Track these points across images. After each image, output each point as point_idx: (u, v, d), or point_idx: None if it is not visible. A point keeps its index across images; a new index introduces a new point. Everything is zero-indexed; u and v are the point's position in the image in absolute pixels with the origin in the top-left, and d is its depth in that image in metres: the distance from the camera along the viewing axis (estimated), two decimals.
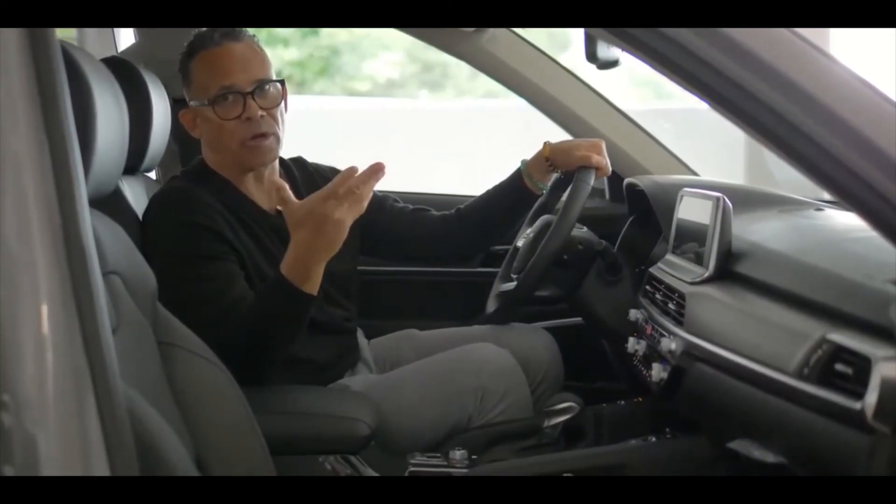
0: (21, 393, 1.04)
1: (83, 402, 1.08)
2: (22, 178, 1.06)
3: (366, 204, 1.94)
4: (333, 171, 2.43)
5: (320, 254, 1.95)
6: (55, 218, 1.08)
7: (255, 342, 2.01)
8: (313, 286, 1.98)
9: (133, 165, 2.28)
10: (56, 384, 1.06)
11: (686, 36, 1.21)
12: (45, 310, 1.06)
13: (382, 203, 2.48)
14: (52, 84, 1.10)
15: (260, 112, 2.15)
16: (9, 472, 1.04)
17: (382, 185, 2.51)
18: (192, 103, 2.23)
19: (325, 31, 8.90)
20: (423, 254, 2.58)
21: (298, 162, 2.43)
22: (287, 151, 2.39)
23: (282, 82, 2.21)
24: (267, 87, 2.18)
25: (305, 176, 2.40)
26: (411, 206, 2.53)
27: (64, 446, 1.07)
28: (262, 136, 2.17)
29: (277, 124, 2.19)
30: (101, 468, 1.08)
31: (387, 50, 9.64)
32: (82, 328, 1.08)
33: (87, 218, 1.11)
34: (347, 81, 10.27)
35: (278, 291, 1.99)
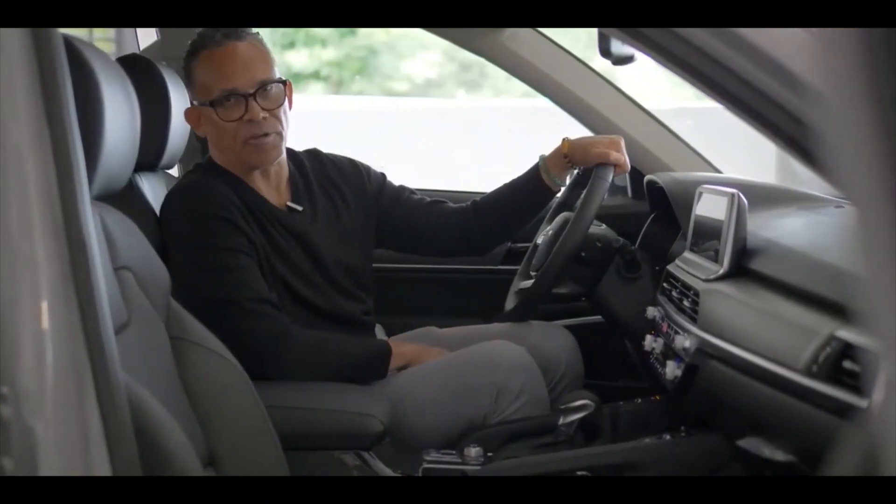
0: (20, 385, 1.05)
1: (83, 395, 1.08)
2: (24, 174, 1.07)
3: None
4: (350, 162, 2.46)
5: (415, 360, 2.29)
6: (56, 213, 1.08)
7: (321, 364, 2.15)
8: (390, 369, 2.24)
9: (151, 162, 2.30)
10: (55, 377, 1.07)
11: (700, 36, 1.20)
12: (45, 304, 1.07)
13: (399, 194, 2.48)
14: (55, 80, 1.10)
15: (262, 114, 2.16)
16: (7, 464, 1.05)
17: (408, 181, 2.53)
18: (195, 103, 2.25)
19: (363, 31, 8.92)
20: (438, 246, 2.56)
21: (312, 154, 2.43)
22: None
23: (285, 82, 2.21)
24: (269, 87, 2.18)
25: (319, 167, 2.39)
26: (428, 199, 2.52)
27: (63, 438, 1.07)
28: (263, 136, 2.18)
29: (280, 123, 2.20)
30: (100, 461, 1.09)
31: (425, 49, 9.64)
32: (83, 322, 1.09)
33: (88, 213, 1.12)
34: (386, 81, 10.29)
35: (378, 352, 2.24)
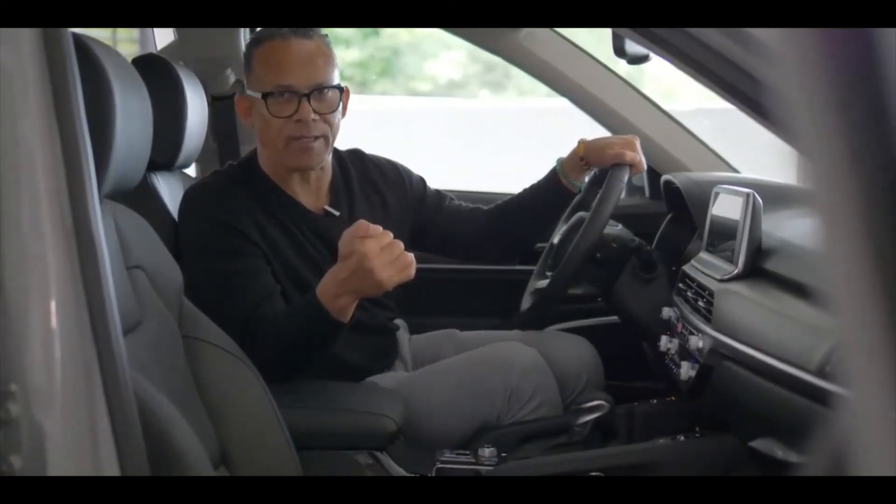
0: (29, 383, 1.05)
1: (91, 393, 1.09)
2: (33, 172, 1.08)
3: (413, 271, 1.91)
4: (392, 165, 2.42)
5: (350, 294, 1.93)
6: (66, 211, 1.09)
7: (281, 348, 2.01)
8: (342, 316, 1.95)
9: (167, 161, 2.30)
10: (64, 375, 1.07)
11: (712, 36, 1.20)
12: (54, 302, 1.07)
13: (440, 202, 2.45)
14: (64, 79, 1.11)
15: (313, 116, 2.10)
16: (16, 462, 1.05)
17: (430, 181, 2.52)
18: (248, 92, 2.18)
19: (387, 32, 8.94)
20: (476, 252, 2.55)
21: (355, 154, 2.39)
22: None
23: (342, 88, 2.17)
24: (325, 91, 2.12)
25: (361, 169, 2.35)
26: (466, 206, 2.50)
27: (71, 436, 1.08)
28: (309, 139, 2.12)
29: (330, 129, 2.15)
30: (109, 458, 1.09)
31: (448, 50, 9.65)
32: (92, 321, 1.09)
33: (97, 211, 1.12)
34: (409, 81, 10.31)
35: (308, 309, 1.97)
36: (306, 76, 2.11)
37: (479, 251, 2.54)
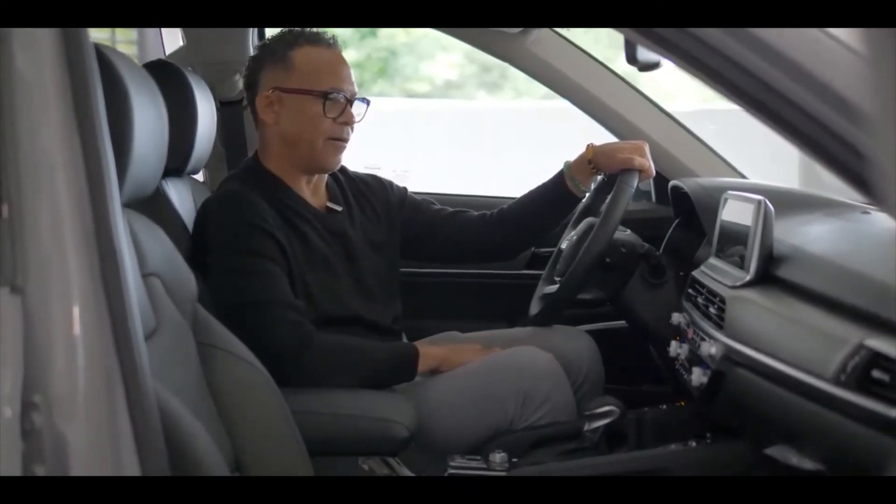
0: (52, 391, 1.05)
1: (114, 401, 1.09)
2: (55, 179, 1.08)
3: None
4: (373, 178, 2.53)
5: (446, 361, 2.27)
6: (87, 219, 1.09)
7: (342, 369, 2.14)
8: (418, 370, 2.22)
9: (178, 167, 2.30)
10: (87, 384, 1.07)
11: (716, 36, 1.20)
12: (76, 310, 1.07)
13: (419, 204, 2.53)
14: (85, 85, 1.11)
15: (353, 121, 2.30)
16: (39, 471, 1.05)
17: (429, 183, 2.54)
18: (273, 88, 2.28)
19: (384, 33, 8.93)
20: (464, 254, 2.61)
21: (341, 169, 2.47)
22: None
23: (368, 101, 2.34)
24: (358, 101, 2.31)
25: (348, 182, 2.46)
26: (450, 209, 2.56)
27: (94, 445, 1.08)
28: (344, 141, 2.30)
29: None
30: (131, 467, 1.09)
31: (445, 51, 9.64)
32: (114, 328, 1.09)
33: (119, 219, 1.12)
34: (406, 83, 10.29)
35: (404, 355, 2.23)
36: (350, 84, 2.30)
37: (473, 253, 2.61)
